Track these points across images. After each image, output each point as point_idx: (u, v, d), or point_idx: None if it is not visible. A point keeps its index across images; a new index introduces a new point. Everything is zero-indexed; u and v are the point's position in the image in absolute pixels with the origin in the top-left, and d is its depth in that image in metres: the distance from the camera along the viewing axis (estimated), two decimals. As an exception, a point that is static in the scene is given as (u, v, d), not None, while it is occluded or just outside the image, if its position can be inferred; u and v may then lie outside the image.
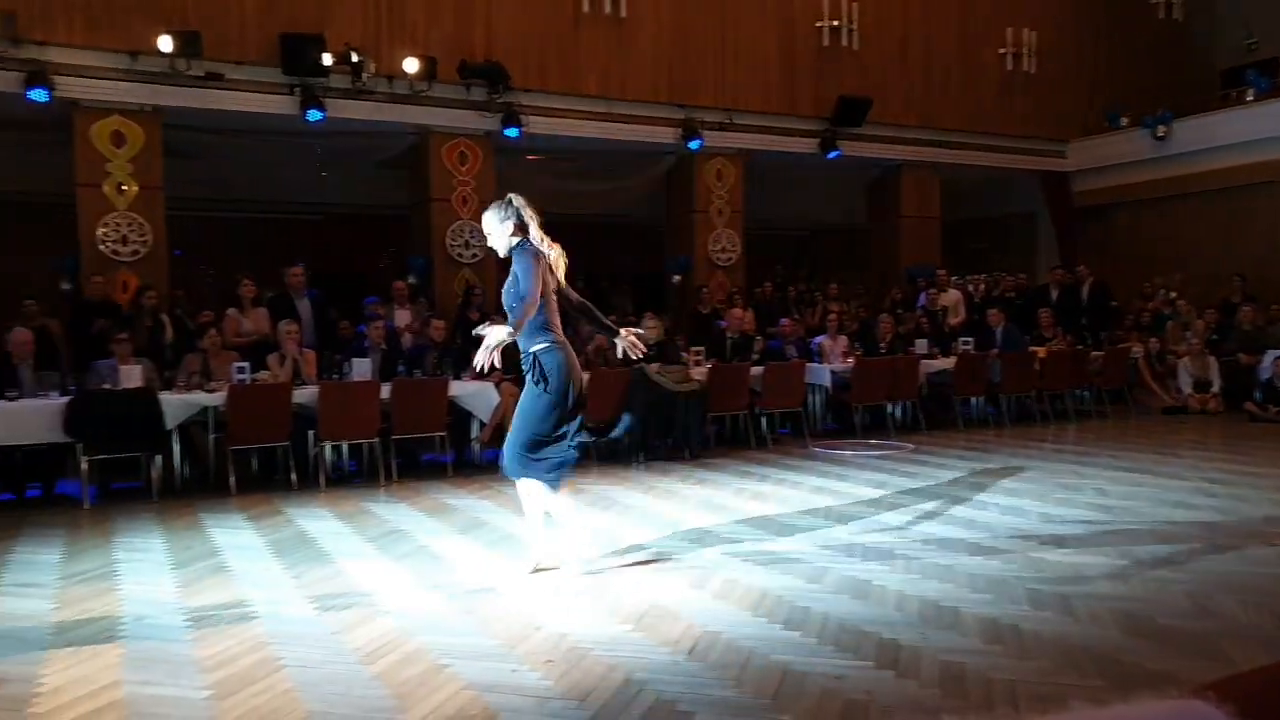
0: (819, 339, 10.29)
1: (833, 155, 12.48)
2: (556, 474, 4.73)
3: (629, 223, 14.20)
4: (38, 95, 8.77)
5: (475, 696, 3.30)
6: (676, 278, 12.39)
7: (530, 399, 4.69)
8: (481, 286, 10.34)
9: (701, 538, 5.56)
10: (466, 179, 10.91)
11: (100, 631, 4.02)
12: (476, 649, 3.75)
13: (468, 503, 6.80)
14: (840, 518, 6.03)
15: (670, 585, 4.58)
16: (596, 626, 4.00)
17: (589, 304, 5.08)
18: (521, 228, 4.69)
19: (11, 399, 6.98)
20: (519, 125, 10.57)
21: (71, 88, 9.05)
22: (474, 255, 10.90)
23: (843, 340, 10.25)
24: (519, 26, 10.79)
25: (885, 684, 3.38)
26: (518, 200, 4.73)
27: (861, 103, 12.29)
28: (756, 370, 9.23)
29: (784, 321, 10.51)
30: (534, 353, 4.61)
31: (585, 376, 5.11)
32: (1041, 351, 10.68)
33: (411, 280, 10.16)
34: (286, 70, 9.47)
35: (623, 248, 14.57)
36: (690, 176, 12.26)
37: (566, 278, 4.82)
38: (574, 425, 4.71)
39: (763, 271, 12.92)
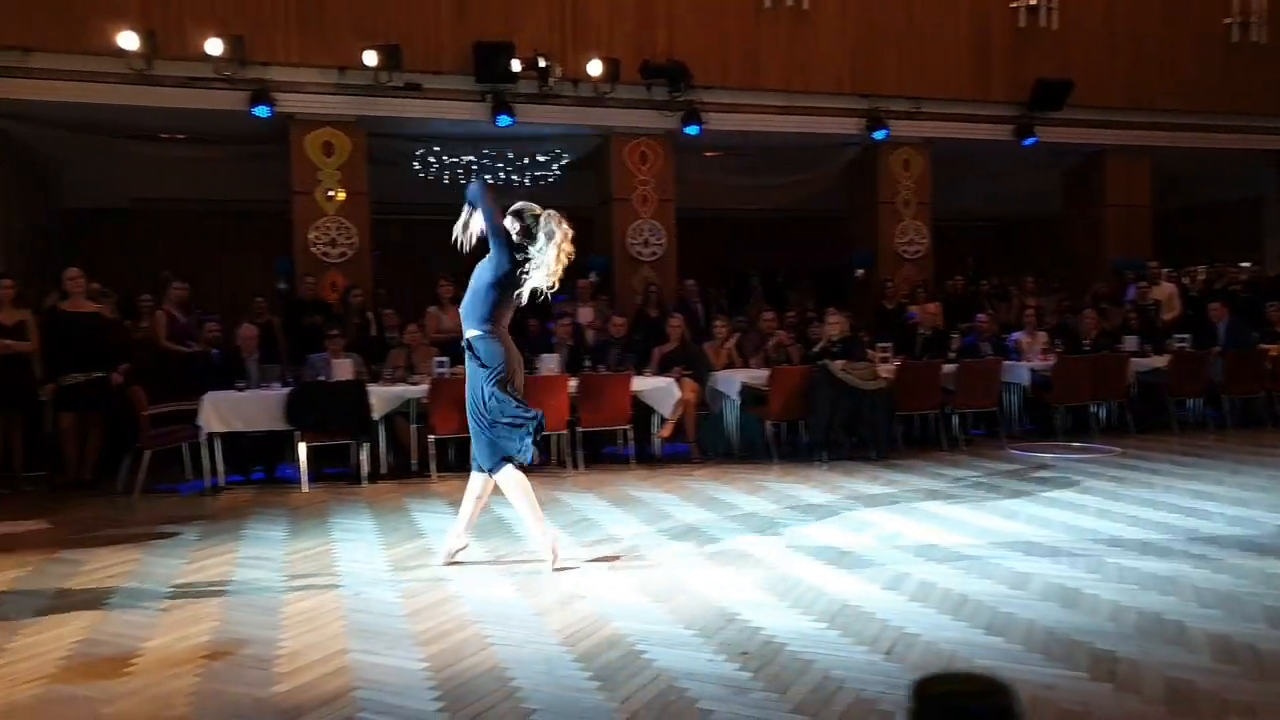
0: (1015, 335, 9.79)
1: (1029, 142, 11.85)
2: (500, 461, 4.85)
3: (809, 216, 13.99)
4: (260, 111, 9.54)
5: (674, 683, 3.34)
6: (860, 272, 12.10)
7: (474, 385, 4.85)
8: (658, 284, 10.45)
9: (892, 538, 5.41)
10: (646, 178, 11.06)
11: (323, 604, 4.32)
12: (672, 637, 3.80)
13: (652, 495, 6.89)
14: (1042, 522, 5.72)
15: (863, 585, 4.48)
16: (790, 622, 3.97)
17: None
18: (529, 234, 4.81)
19: (241, 389, 7.62)
20: (699, 123, 10.61)
21: (288, 103, 9.79)
22: (653, 254, 11.05)
23: (1042, 336, 9.72)
24: (700, 24, 10.83)
25: (1102, 697, 3.18)
26: (546, 217, 4.82)
27: (1061, 85, 11.59)
28: (948, 368, 8.89)
29: (979, 316, 10.06)
30: (469, 339, 4.86)
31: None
32: (1273, 349, 9.75)
33: (594, 278, 10.39)
34: (479, 78, 9.88)
35: (803, 242, 14.38)
36: (875, 167, 11.95)
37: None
38: (530, 422, 4.79)
39: (950, 264, 12.43)
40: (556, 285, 4.86)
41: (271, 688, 3.32)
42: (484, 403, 4.80)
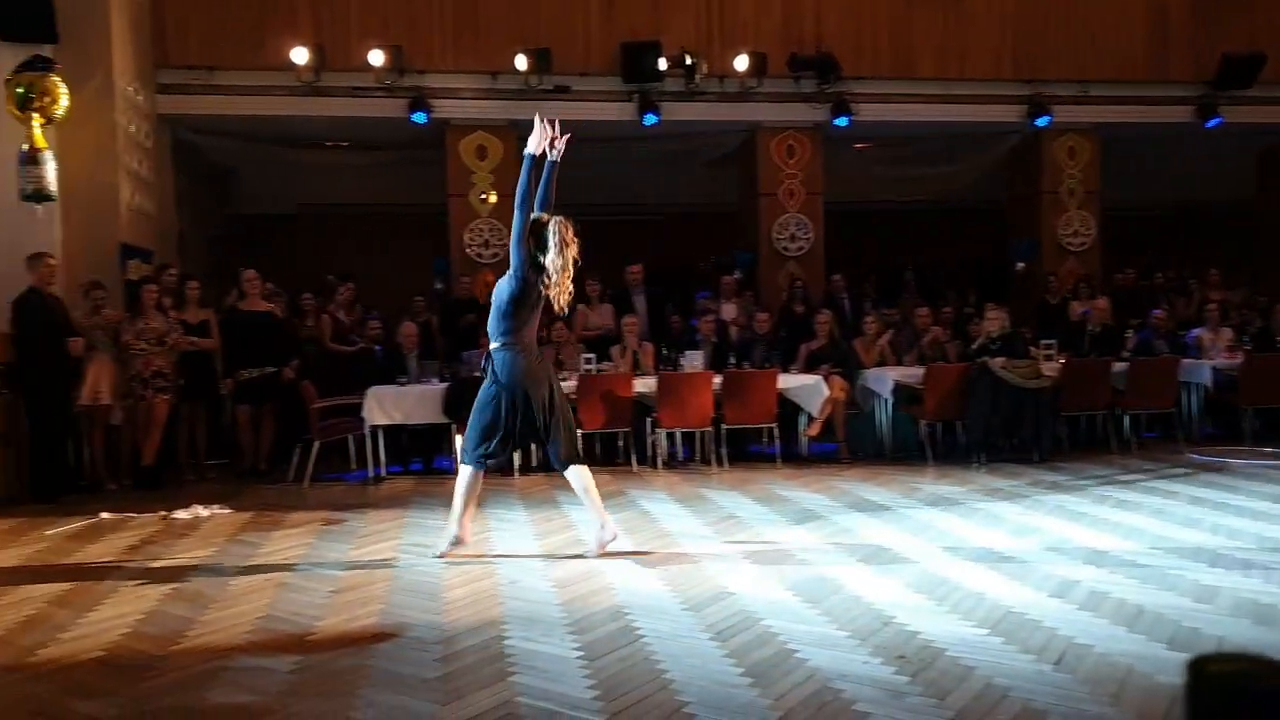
0: (1196, 332, 9.14)
1: (1213, 124, 11.01)
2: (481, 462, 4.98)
3: (965, 207, 13.47)
4: (418, 118, 9.94)
5: (828, 684, 3.26)
6: (1021, 265, 11.55)
7: (481, 391, 4.99)
8: (805, 279, 10.29)
9: (1058, 545, 5.13)
10: (794, 172, 10.92)
11: (481, 591, 4.46)
12: (825, 638, 3.72)
13: (799, 494, 6.78)
14: (1229, 532, 5.30)
15: (1027, 591, 4.27)
16: (949, 627, 3.82)
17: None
18: (540, 244, 4.84)
19: (401, 384, 7.96)
20: (849, 114, 10.39)
21: (444, 109, 10.17)
22: (800, 248, 10.90)
23: (1226, 333, 9.04)
24: (848, 14, 10.61)
25: (1307, 722, 2.90)
26: (555, 224, 4.86)
27: (1251, 60, 10.71)
28: (1118, 366, 8.38)
29: (1156, 312, 9.43)
30: (490, 349, 4.98)
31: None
32: None
33: (738, 274, 10.32)
34: (626, 78, 9.99)
35: (958, 234, 13.86)
36: (1037, 155, 11.40)
37: None
38: (488, 446, 4.95)
39: (1120, 256, 11.70)
40: (568, 295, 4.94)
41: (435, 670, 3.44)
42: (479, 410, 5.01)
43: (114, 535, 5.86)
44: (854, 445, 8.50)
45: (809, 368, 8.45)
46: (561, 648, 3.64)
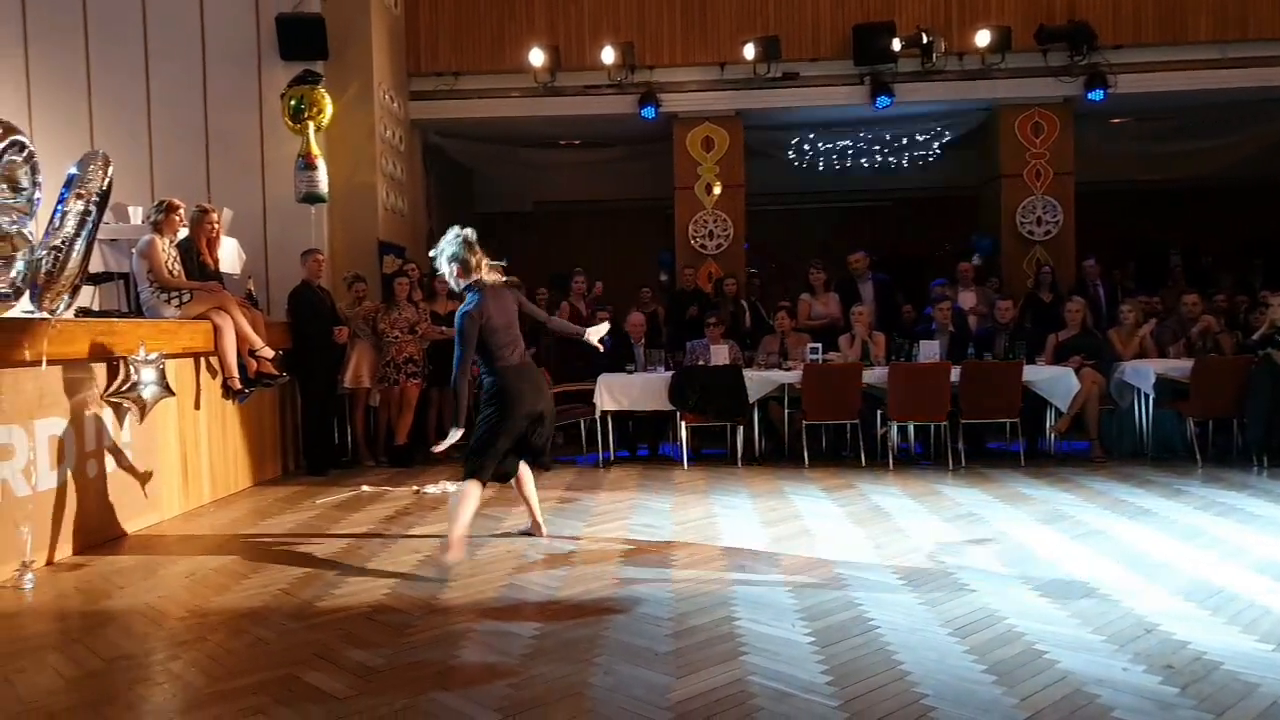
0: None
1: None
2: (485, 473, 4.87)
3: (1240, 184, 12.13)
4: (647, 113, 10.15)
5: (1082, 688, 3.02)
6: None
7: (486, 415, 4.91)
8: (1052, 265, 9.61)
9: (1362, 557, 4.50)
10: (1040, 151, 10.24)
11: (711, 574, 4.47)
12: (1078, 641, 3.45)
13: (1046, 493, 6.34)
14: None
15: (1325, 607, 3.77)
16: (1226, 639, 3.44)
17: (547, 316, 5.75)
18: (465, 268, 4.88)
19: (629, 372, 8.16)
20: (1105, 87, 9.60)
21: (672, 103, 10.32)
22: (1046, 232, 10.21)
23: None
24: (1106, -22, 9.82)
25: None
26: (456, 242, 4.93)
27: None
28: None
29: None
30: (481, 377, 5.00)
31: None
32: None
33: (977, 261, 9.80)
34: (858, 61, 9.74)
35: (1231, 214, 12.51)
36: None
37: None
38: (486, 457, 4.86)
39: None
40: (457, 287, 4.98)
41: (667, 644, 3.49)
42: (480, 432, 4.93)
43: (373, 506, 6.37)
44: (1108, 443, 7.87)
45: (1057, 359, 7.89)
46: (792, 633, 3.59)
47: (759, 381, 7.84)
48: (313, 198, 8.66)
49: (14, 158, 4.31)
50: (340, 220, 9.19)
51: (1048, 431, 7.88)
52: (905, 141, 11.21)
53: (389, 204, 9.76)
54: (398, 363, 8.15)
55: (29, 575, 4.42)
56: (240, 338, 6.67)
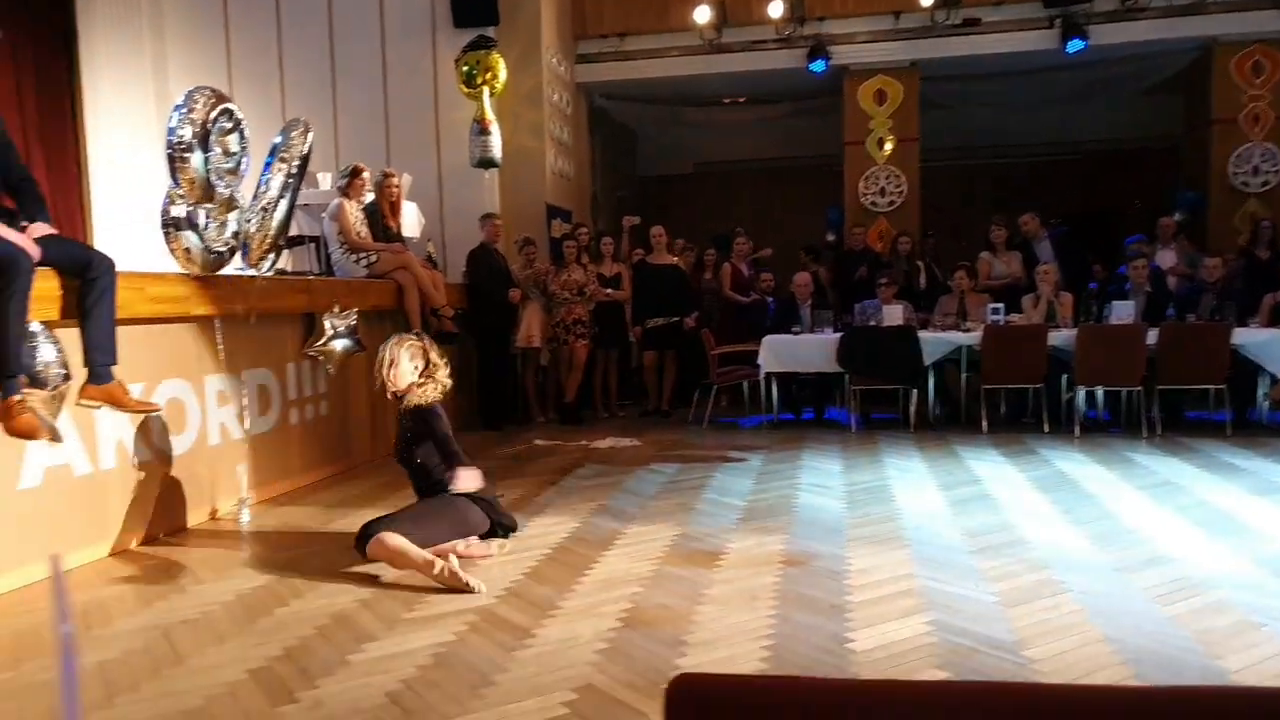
0: None
1: None
2: None
3: None
4: (816, 66, 9.90)
5: (1308, 664, 2.79)
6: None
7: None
8: (1271, 219, 8.80)
9: None
10: (1260, 92, 9.34)
11: (886, 532, 4.39)
12: (1302, 617, 3.18)
13: (1256, 464, 5.86)
14: None
15: None
16: None
17: None
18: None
19: (795, 334, 8.05)
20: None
21: (843, 55, 10.02)
22: (1264, 183, 9.33)
23: None
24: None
25: None
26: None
27: None
28: None
29: None
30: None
31: None
32: None
33: (1179, 217, 9.08)
34: (1047, 3, 9.15)
35: None
36: None
37: None
38: None
39: None
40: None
41: (844, 597, 3.45)
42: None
43: (546, 459, 6.58)
44: (1330, 413, 7.20)
45: (1273, 322, 7.24)
46: (976, 592, 3.48)
47: (934, 343, 7.57)
48: (487, 162, 8.94)
49: (224, 124, 4.63)
50: (510, 184, 9.45)
51: (1259, 401, 7.26)
52: (1097, 89, 10.48)
53: (556, 168, 9.96)
54: (567, 324, 8.34)
55: (246, 510, 4.82)
56: (423, 296, 6.99)
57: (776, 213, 13.05)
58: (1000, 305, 7.65)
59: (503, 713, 2.56)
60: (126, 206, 8.61)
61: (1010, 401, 8.09)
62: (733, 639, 3.06)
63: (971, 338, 7.47)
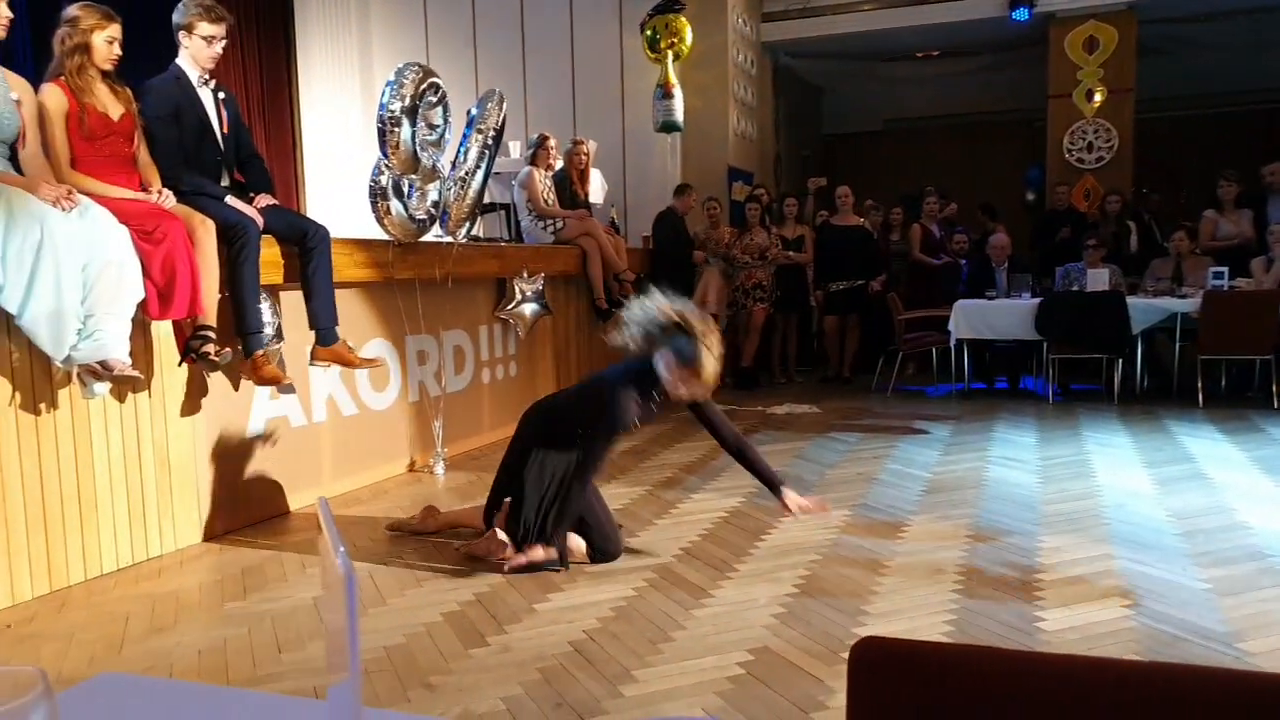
0: None
1: None
2: None
3: None
4: (1020, 15, 9.30)
5: None
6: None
7: None
8: None
9: None
10: None
11: (1083, 510, 4.15)
12: None
13: None
14: None
15: None
16: None
17: None
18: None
19: (990, 298, 7.67)
20: None
21: (1049, 1, 9.35)
22: None
23: None
24: None
25: None
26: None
27: None
28: None
29: None
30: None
31: None
32: None
33: None
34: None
35: None
36: None
37: None
38: None
39: None
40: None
41: (1037, 574, 3.30)
42: None
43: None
44: None
45: None
46: (1185, 577, 3.24)
47: (1145, 310, 7.04)
48: (670, 126, 8.97)
49: (431, 98, 4.86)
50: (692, 148, 9.45)
51: None
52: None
53: (739, 129, 9.86)
54: (746, 288, 8.30)
55: (441, 463, 5.13)
56: (605, 262, 7.14)
57: (971, 171, 12.42)
58: (1224, 269, 7.01)
59: (681, 668, 2.62)
60: (335, 177, 9.25)
61: (1232, 375, 7.43)
62: (914, 611, 3.00)
63: (1188, 304, 6.89)
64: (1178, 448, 5.44)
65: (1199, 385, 6.88)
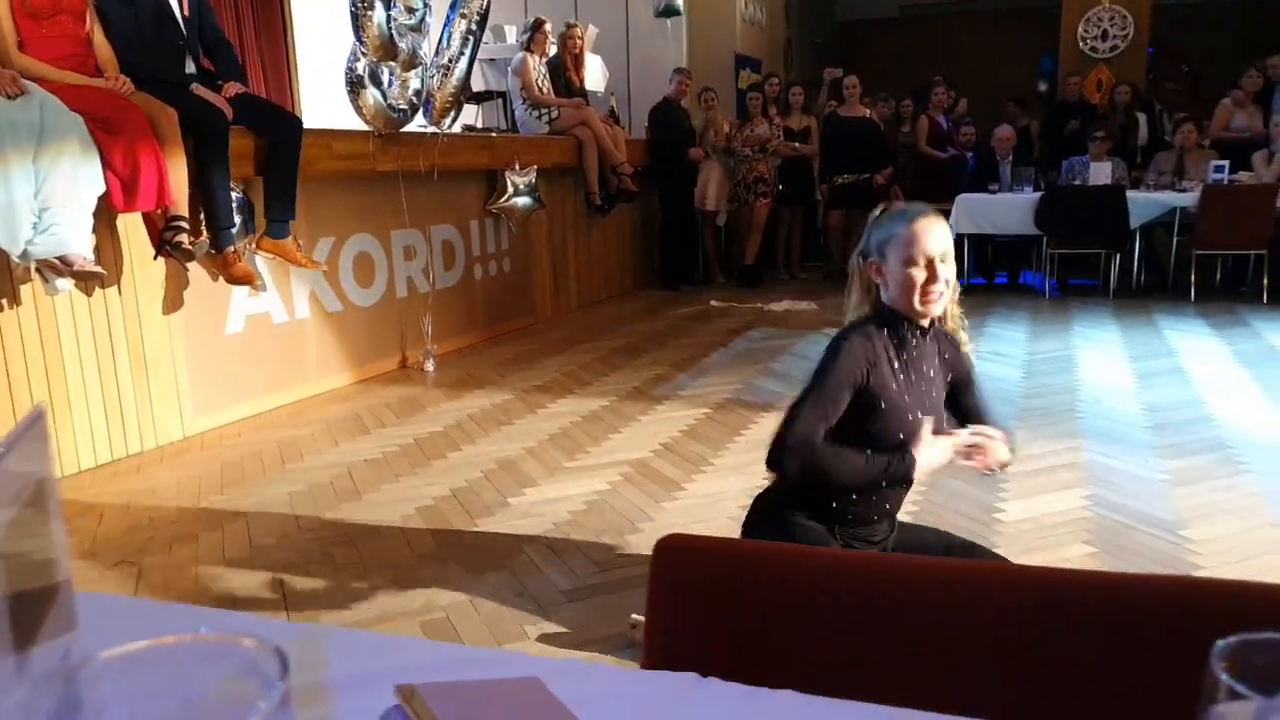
0: None
1: None
2: None
3: None
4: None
5: None
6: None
7: None
8: None
9: None
10: None
11: (1060, 404, 4.21)
12: None
13: None
14: None
15: None
16: None
17: None
18: None
19: (992, 192, 7.58)
20: None
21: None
22: None
23: None
24: None
25: None
26: None
27: None
28: None
29: None
30: None
31: None
32: None
33: None
34: None
35: None
36: None
37: None
38: None
39: None
40: None
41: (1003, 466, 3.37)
42: None
43: (720, 320, 6.64)
44: None
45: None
46: (1145, 469, 3.32)
47: (1144, 204, 6.96)
48: (670, 10, 8.73)
49: (408, -18, 4.74)
50: (698, 35, 9.20)
51: None
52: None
53: (747, 15, 9.58)
54: (748, 181, 8.20)
55: (431, 360, 5.20)
56: (603, 153, 7.05)
57: (989, 60, 12.05)
58: (1225, 163, 6.89)
59: (642, 558, 2.72)
60: (328, 68, 9.05)
61: (1227, 268, 7.38)
62: (875, 501, 3.09)
63: (1187, 198, 6.81)
64: (1163, 342, 5.47)
65: (1192, 279, 6.85)
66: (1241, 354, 5.08)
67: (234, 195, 3.93)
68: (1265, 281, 6.72)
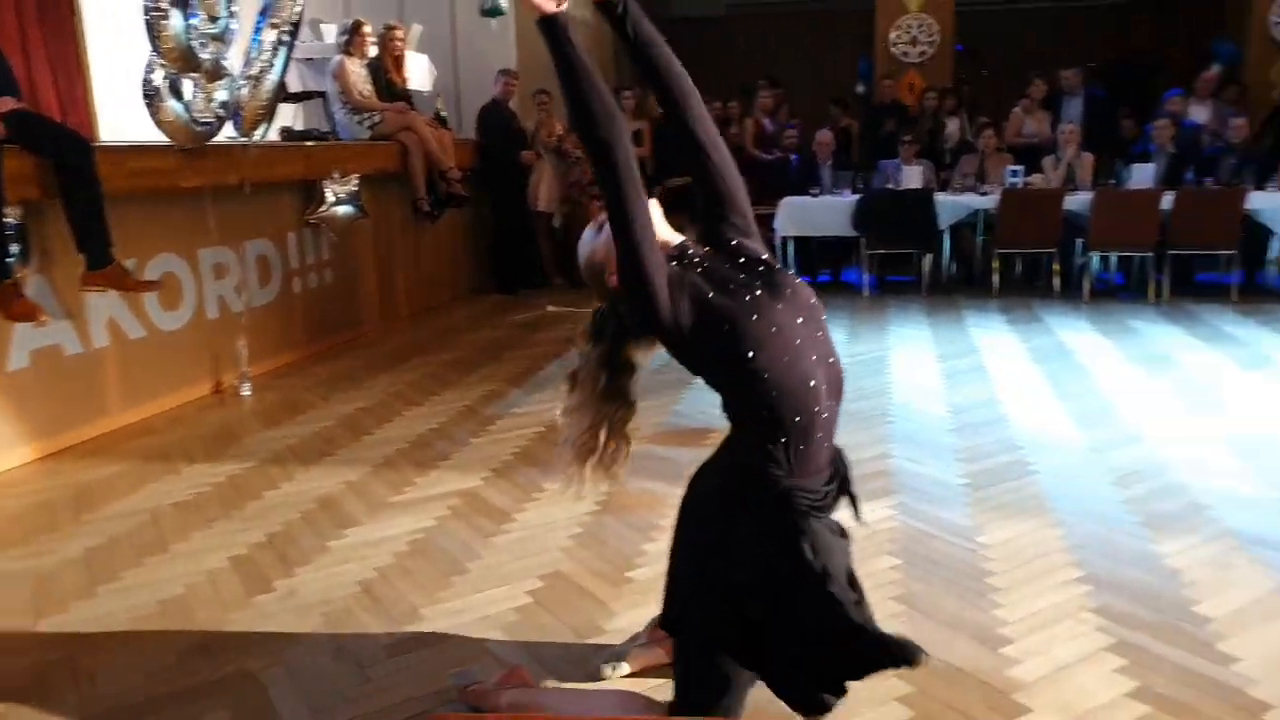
0: None
1: None
2: None
3: None
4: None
5: (1238, 547, 2.86)
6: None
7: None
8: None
9: None
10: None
11: (873, 408, 4.43)
12: (1246, 499, 3.24)
13: (1253, 333, 5.81)
14: None
15: None
16: None
17: None
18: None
19: (814, 195, 7.87)
20: None
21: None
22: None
23: None
24: None
25: None
26: None
27: None
28: None
29: None
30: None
31: None
32: None
33: (1216, 69, 8.56)
34: None
35: None
36: None
37: None
38: None
39: None
40: None
41: (814, 479, 3.53)
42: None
43: (555, 327, 6.60)
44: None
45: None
46: (949, 473, 3.54)
47: (951, 206, 7.42)
48: (493, 10, 8.56)
49: (210, -13, 4.48)
50: (527, 34, 9.09)
51: (1269, 264, 7.10)
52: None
53: (576, 15, 9.52)
54: (583, 183, 8.21)
55: (247, 384, 4.95)
56: (429, 158, 6.89)
57: (815, 60, 12.38)
58: (1019, 168, 7.44)
59: (469, 602, 2.66)
60: (128, 69, 8.39)
61: (1026, 264, 7.98)
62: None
63: (988, 201, 7.30)
64: (967, 340, 5.85)
65: (994, 276, 7.36)
66: (1033, 350, 5.50)
67: (7, 223, 3.54)
68: (1056, 280, 7.33)
